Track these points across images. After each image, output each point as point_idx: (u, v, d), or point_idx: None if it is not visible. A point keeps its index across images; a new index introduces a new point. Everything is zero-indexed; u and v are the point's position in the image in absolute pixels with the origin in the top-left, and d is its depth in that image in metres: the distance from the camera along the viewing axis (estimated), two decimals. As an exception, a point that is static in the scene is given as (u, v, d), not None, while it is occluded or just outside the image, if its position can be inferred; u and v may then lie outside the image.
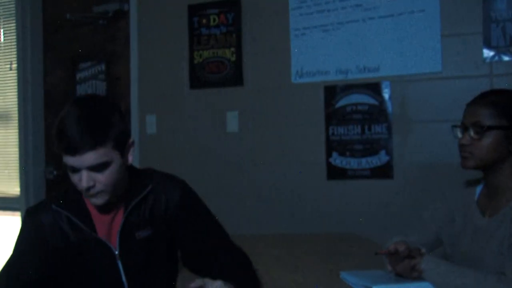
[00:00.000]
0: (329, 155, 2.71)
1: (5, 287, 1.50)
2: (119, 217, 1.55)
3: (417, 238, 1.74)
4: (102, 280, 1.53)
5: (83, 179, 1.41)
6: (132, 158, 1.54)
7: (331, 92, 2.71)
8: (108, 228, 1.55)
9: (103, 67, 3.40)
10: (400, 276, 1.52)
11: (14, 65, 3.56)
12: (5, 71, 3.62)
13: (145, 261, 1.55)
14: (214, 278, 1.41)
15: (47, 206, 1.54)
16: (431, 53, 2.52)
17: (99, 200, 1.47)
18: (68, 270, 1.52)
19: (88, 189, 1.42)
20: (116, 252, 1.52)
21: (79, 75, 3.49)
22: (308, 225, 2.71)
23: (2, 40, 3.63)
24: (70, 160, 1.39)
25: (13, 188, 3.63)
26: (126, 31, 3.25)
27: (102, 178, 1.42)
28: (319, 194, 2.73)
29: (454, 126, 1.63)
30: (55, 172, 3.54)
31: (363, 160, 2.65)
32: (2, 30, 3.63)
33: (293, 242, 2.11)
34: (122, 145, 1.46)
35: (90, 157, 1.38)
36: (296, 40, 2.77)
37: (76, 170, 1.41)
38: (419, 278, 1.49)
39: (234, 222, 2.86)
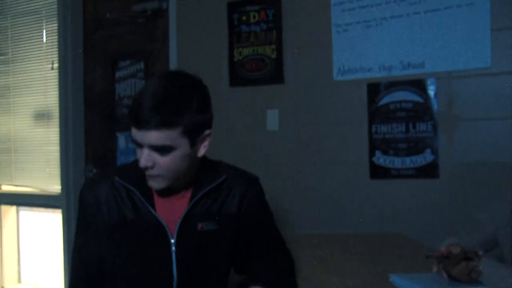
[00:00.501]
0: (372, 154, 2.64)
1: (75, 270, 1.50)
2: (184, 203, 1.45)
3: (470, 239, 1.68)
4: (151, 266, 1.43)
5: (143, 157, 1.34)
6: (206, 151, 1.43)
7: (374, 89, 2.64)
8: (169, 213, 1.44)
9: (142, 65, 3.40)
10: (455, 280, 1.46)
11: (56, 65, 3.59)
12: (47, 70, 3.65)
13: (203, 255, 1.45)
14: (254, 281, 1.37)
15: (107, 178, 1.48)
16: (480, 47, 2.43)
17: (156, 184, 1.39)
18: (121, 249, 1.42)
19: (146, 168, 1.36)
20: (173, 240, 1.42)
21: (118, 74, 3.50)
22: (351, 226, 2.66)
23: (44, 40, 3.67)
24: (134, 133, 1.33)
25: (54, 186, 3.67)
26: (165, 30, 3.25)
27: (162, 162, 1.34)
28: (362, 194, 2.66)
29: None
30: (94, 170, 3.57)
31: (407, 159, 2.58)
32: (44, 31, 3.67)
33: (337, 243, 2.06)
34: (194, 134, 1.35)
35: (153, 136, 1.30)
36: (338, 36, 2.72)
37: (139, 145, 1.34)
38: (475, 282, 1.43)
39: (277, 223, 2.83)
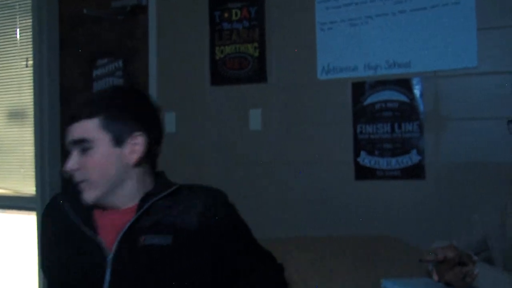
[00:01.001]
0: (357, 154, 2.60)
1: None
2: (129, 218, 1.34)
3: (458, 241, 1.63)
4: (84, 284, 1.31)
5: (68, 160, 1.32)
6: (138, 158, 1.36)
7: (359, 88, 2.59)
8: (110, 229, 1.34)
9: (120, 63, 3.31)
10: (449, 285, 1.41)
11: (30, 62, 3.48)
12: (21, 68, 3.54)
13: (146, 272, 1.29)
14: None
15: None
16: (466, 47, 2.39)
17: (86, 195, 1.33)
18: (60, 267, 1.36)
19: (73, 176, 1.32)
20: (109, 257, 1.30)
21: (96, 72, 3.40)
22: (335, 227, 2.60)
23: (18, 36, 3.55)
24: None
25: (29, 188, 3.55)
26: (145, 27, 3.16)
27: (85, 162, 1.32)
28: (347, 195, 2.61)
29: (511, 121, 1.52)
30: (71, 172, 3.45)
31: (393, 160, 2.53)
32: (18, 27, 3.55)
33: (325, 245, 2.01)
34: (116, 131, 1.32)
35: (73, 130, 1.32)
36: (323, 34, 2.66)
37: (69, 151, 1.34)
38: (470, 287, 1.38)
39: (259, 225, 2.75)
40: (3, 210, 3.81)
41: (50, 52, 3.46)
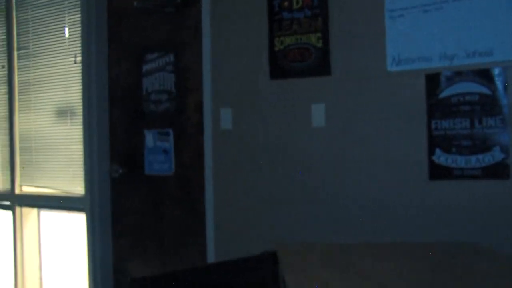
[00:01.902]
0: (431, 152, 2.38)
1: None
2: None
3: None
4: None
5: None
6: None
7: (434, 80, 2.38)
8: None
9: (171, 58, 3.17)
10: None
11: (79, 58, 3.37)
12: (70, 64, 3.44)
13: None
14: None
15: None
16: (559, 33, 2.16)
17: None
18: None
19: None
20: None
21: (146, 67, 3.27)
22: (406, 233, 2.40)
23: (67, 33, 3.44)
24: None
25: (77, 187, 3.45)
26: (197, 19, 3.01)
27: None
28: (420, 197, 2.40)
29: None
30: (120, 170, 3.34)
31: (473, 158, 2.31)
32: (66, 23, 3.45)
33: (405, 253, 1.81)
34: None
35: None
36: (392, 22, 2.46)
37: None
38: None
39: (322, 229, 2.59)
40: (51, 210, 3.72)
41: (99, 48, 3.34)
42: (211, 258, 2.92)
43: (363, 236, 2.48)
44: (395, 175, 2.46)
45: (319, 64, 2.60)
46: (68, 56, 3.44)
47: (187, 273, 1.41)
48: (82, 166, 3.38)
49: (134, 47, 3.29)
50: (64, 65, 3.47)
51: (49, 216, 3.79)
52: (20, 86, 3.71)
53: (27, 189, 3.75)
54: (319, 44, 2.59)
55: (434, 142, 2.38)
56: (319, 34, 2.59)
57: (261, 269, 1.63)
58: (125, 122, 3.36)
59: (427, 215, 2.39)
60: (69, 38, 3.43)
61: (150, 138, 3.26)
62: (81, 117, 3.39)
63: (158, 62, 3.22)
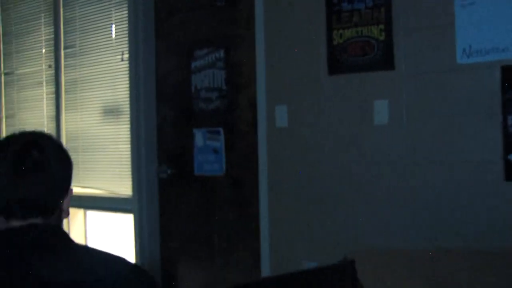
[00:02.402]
0: (508, 151, 2.20)
1: None
2: None
3: None
4: None
5: None
6: None
7: (511, 73, 2.20)
8: None
9: (221, 53, 3.06)
10: None
11: (126, 55, 3.30)
12: (117, 62, 3.37)
13: None
14: None
15: None
16: None
17: None
18: None
19: None
20: None
21: (195, 64, 3.17)
22: (479, 238, 2.23)
23: (113, 30, 3.37)
24: None
25: (125, 188, 3.38)
26: (250, 12, 2.89)
27: None
28: (495, 199, 2.23)
29: None
30: (169, 171, 3.25)
31: (554, 157, 2.13)
32: (113, 19, 3.38)
33: (501, 263, 1.65)
34: None
35: None
36: (463, 11, 2.28)
37: None
38: None
39: (383, 230, 2.43)
40: (98, 211, 3.66)
41: (146, 45, 3.26)
42: (265, 262, 2.79)
43: (432, 240, 2.31)
44: (467, 176, 2.29)
45: (382, 58, 2.44)
46: (116, 54, 3.37)
47: (268, 282, 1.30)
48: (129, 166, 3.30)
49: (183, 43, 3.20)
50: (111, 63, 3.40)
51: (96, 217, 3.73)
52: (67, 85, 3.66)
53: (74, 189, 3.69)
54: (382, 37, 2.44)
55: (511, 140, 2.20)
56: (381, 26, 2.44)
57: (341, 279, 1.50)
58: (173, 121, 3.27)
59: (502, 218, 2.21)
60: (116, 35, 3.36)
61: (199, 137, 3.16)
62: (128, 116, 3.32)
63: (208, 58, 3.11)
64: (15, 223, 1.13)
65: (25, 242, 1.11)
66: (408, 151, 2.41)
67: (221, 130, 3.06)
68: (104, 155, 3.47)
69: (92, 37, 3.50)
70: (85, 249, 1.32)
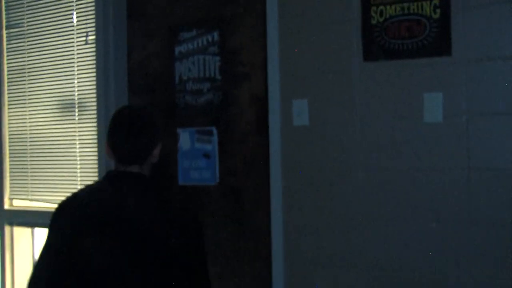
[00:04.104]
0: None
1: None
2: None
3: None
4: None
5: None
6: None
7: None
8: None
9: (215, 36, 2.50)
10: None
11: (92, 37, 2.66)
12: (79, 45, 2.72)
13: None
14: None
15: None
16: None
17: None
18: None
19: None
20: None
21: (179, 49, 2.59)
22: None
23: (74, 14, 2.72)
24: None
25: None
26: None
27: None
28: None
29: None
30: (145, 180, 2.65)
31: None
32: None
33: None
34: None
35: None
36: (539, -15, 1.87)
37: None
38: None
39: (441, 247, 1.97)
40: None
41: (117, 25, 2.65)
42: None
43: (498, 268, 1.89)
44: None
45: (435, 42, 1.99)
46: (78, 35, 2.72)
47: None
48: (97, 175, 2.68)
49: (164, 23, 2.61)
50: (71, 46, 2.75)
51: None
52: (10, 74, 2.96)
53: (19, 204, 3.01)
54: (436, 15, 1.98)
55: None
56: (436, 1, 1.98)
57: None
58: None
59: None
60: (78, 13, 2.71)
61: (185, 138, 2.59)
62: (93, 112, 2.69)
63: (197, 42, 2.55)
64: (121, 167, 1.73)
65: (121, 184, 1.71)
66: (465, 153, 1.96)
67: (214, 129, 2.51)
68: (60, 161, 2.81)
69: (45, 14, 2.83)
70: (162, 196, 1.79)
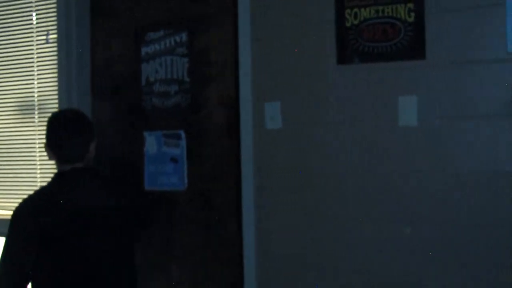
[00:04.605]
0: None
1: None
2: None
3: None
4: None
5: None
6: None
7: None
8: None
9: (183, 37, 2.43)
10: None
11: (53, 36, 2.54)
12: (39, 44, 2.59)
13: None
14: None
15: None
16: None
17: None
18: None
19: None
20: None
21: (146, 50, 2.51)
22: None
23: (34, 10, 2.60)
24: None
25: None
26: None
27: None
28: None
29: None
30: (109, 185, 2.55)
31: None
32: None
33: None
34: None
35: None
36: (513, -11, 1.88)
37: None
38: None
39: (417, 251, 1.95)
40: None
41: (79, 23, 2.53)
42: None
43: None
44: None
45: (410, 45, 1.97)
46: (37, 33, 2.59)
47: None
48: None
49: (131, 22, 2.52)
50: (31, 45, 2.62)
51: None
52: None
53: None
54: (411, 19, 1.97)
55: None
56: (410, 5, 1.96)
57: None
58: (116, 122, 2.57)
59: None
60: (37, 9, 2.59)
61: (152, 142, 2.50)
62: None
63: (165, 42, 2.47)
64: (65, 167, 2.00)
65: (71, 179, 1.99)
66: (443, 157, 1.95)
67: (182, 133, 2.43)
68: (17, 166, 2.67)
69: (2, 9, 2.68)
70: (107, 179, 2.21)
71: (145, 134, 2.51)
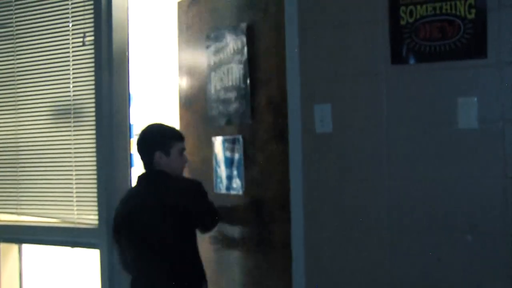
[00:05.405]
0: None
1: None
2: None
3: None
4: None
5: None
6: None
7: None
8: None
9: (239, 44, 2.40)
10: None
11: (90, 38, 2.47)
12: (76, 46, 2.53)
13: None
14: None
15: None
16: None
17: None
18: None
19: None
20: None
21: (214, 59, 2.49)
22: None
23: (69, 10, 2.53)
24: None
25: (87, 216, 2.56)
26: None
27: None
28: None
29: None
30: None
31: None
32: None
33: None
34: None
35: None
36: None
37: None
38: None
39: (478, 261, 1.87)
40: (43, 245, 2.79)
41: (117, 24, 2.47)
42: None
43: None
44: None
45: (470, 43, 1.88)
46: (73, 35, 2.53)
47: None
48: (95, 186, 2.50)
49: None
50: (66, 47, 2.55)
51: (38, 253, 2.87)
52: (-3, 77, 2.75)
53: (7, 218, 2.79)
54: (471, 15, 1.88)
55: None
56: (471, 1, 1.87)
57: None
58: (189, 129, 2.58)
59: None
60: (73, 9, 2.52)
61: (218, 147, 2.55)
62: (93, 119, 2.50)
63: (227, 51, 2.45)
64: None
65: (145, 180, 2.28)
66: (506, 161, 1.86)
67: (240, 138, 2.42)
68: (54, 173, 2.61)
69: (37, 12, 2.62)
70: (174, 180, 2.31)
71: (213, 139, 2.52)
